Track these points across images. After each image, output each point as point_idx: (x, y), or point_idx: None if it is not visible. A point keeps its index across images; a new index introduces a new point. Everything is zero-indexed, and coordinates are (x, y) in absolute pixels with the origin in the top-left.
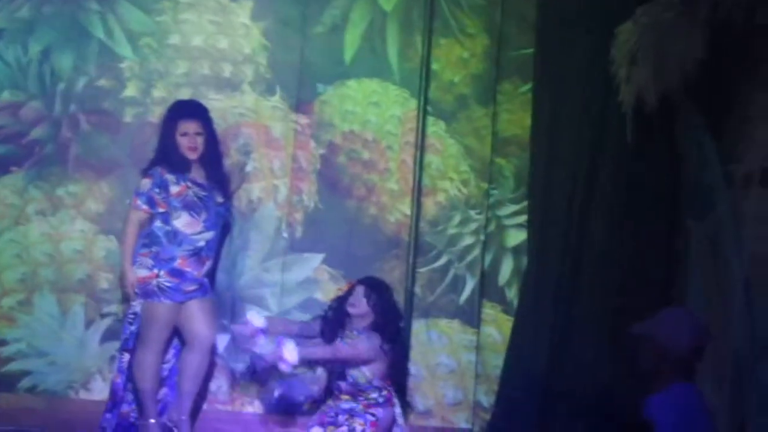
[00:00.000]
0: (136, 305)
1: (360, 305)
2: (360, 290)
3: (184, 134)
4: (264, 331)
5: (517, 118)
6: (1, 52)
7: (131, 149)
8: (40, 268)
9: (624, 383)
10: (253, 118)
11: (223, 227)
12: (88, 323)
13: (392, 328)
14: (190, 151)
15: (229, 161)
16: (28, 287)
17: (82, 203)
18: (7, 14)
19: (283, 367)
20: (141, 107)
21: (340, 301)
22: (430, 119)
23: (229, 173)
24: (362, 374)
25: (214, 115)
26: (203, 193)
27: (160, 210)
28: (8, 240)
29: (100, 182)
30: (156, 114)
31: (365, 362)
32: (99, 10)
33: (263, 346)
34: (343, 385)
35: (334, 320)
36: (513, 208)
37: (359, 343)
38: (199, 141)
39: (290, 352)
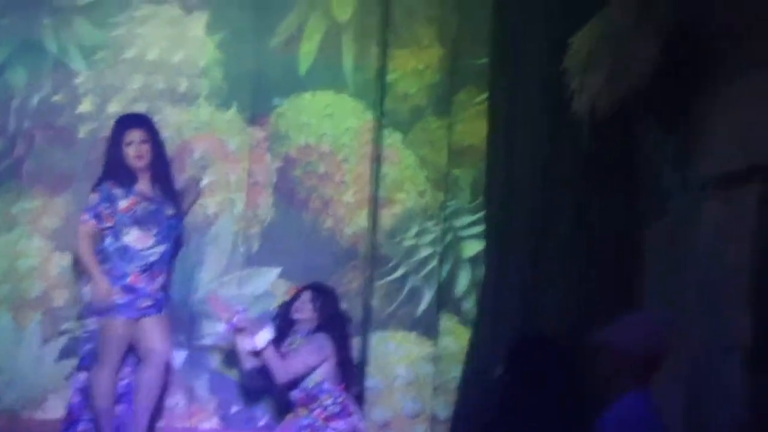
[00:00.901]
0: (92, 323)
1: (305, 310)
2: (305, 295)
3: (130, 143)
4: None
5: (473, 128)
6: None
7: (86, 164)
8: None
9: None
10: (208, 131)
11: (176, 240)
12: (45, 341)
13: (339, 331)
14: (136, 159)
15: (185, 175)
16: None
17: (38, 220)
18: None
19: (246, 345)
20: (96, 122)
21: (286, 307)
22: (386, 131)
23: (185, 187)
24: (311, 378)
25: (169, 129)
26: (153, 207)
27: (108, 224)
28: None
29: (55, 198)
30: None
31: (315, 368)
32: (52, 25)
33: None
34: (295, 393)
35: (280, 326)
36: (470, 218)
37: (306, 352)
38: (145, 149)
39: (262, 338)
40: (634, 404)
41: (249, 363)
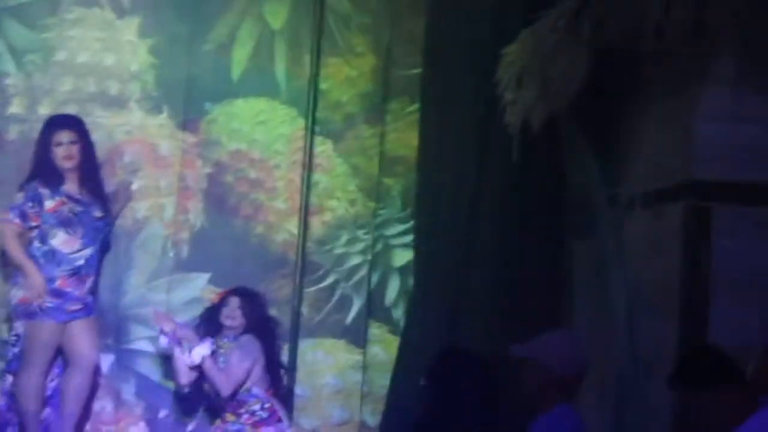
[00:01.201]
0: (19, 326)
1: (234, 315)
2: (233, 301)
3: (59, 144)
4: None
5: (405, 137)
6: None
7: (17, 167)
8: None
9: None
10: (139, 136)
11: (103, 243)
12: None
13: (268, 335)
14: (65, 160)
15: (116, 179)
16: None
17: None
18: None
19: (185, 360)
20: (26, 124)
21: (213, 312)
22: (318, 138)
23: (116, 191)
24: (229, 379)
25: (100, 132)
26: (79, 209)
27: (33, 224)
28: None
29: None
30: None
31: (250, 372)
32: None
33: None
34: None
35: (206, 331)
36: (400, 227)
37: (238, 358)
38: (74, 150)
39: (200, 352)
40: (565, 414)
41: (185, 378)
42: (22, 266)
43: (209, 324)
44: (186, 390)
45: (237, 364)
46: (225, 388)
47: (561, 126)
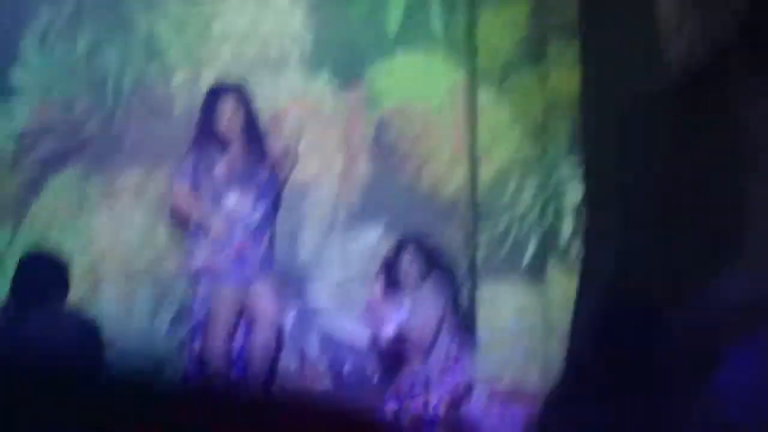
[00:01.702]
0: (201, 291)
1: (413, 266)
2: (410, 251)
3: (222, 113)
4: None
5: (566, 78)
6: (50, 48)
7: (184, 136)
8: (104, 258)
9: None
10: (302, 97)
11: (274, 204)
12: (156, 312)
13: (448, 281)
14: (230, 127)
15: (281, 142)
16: (93, 279)
17: (141, 193)
18: (54, 9)
19: (386, 331)
20: (190, 95)
21: (390, 264)
22: (480, 86)
23: (282, 153)
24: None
25: (263, 97)
26: (247, 171)
27: (204, 189)
28: (71, 233)
29: (156, 171)
30: None
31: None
32: (142, 1)
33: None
34: (409, 348)
35: (387, 283)
36: (569, 167)
37: (424, 309)
38: (238, 117)
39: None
40: (751, 359)
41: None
42: (201, 225)
43: (389, 276)
44: (381, 344)
45: (424, 314)
46: (416, 339)
47: (729, 57)
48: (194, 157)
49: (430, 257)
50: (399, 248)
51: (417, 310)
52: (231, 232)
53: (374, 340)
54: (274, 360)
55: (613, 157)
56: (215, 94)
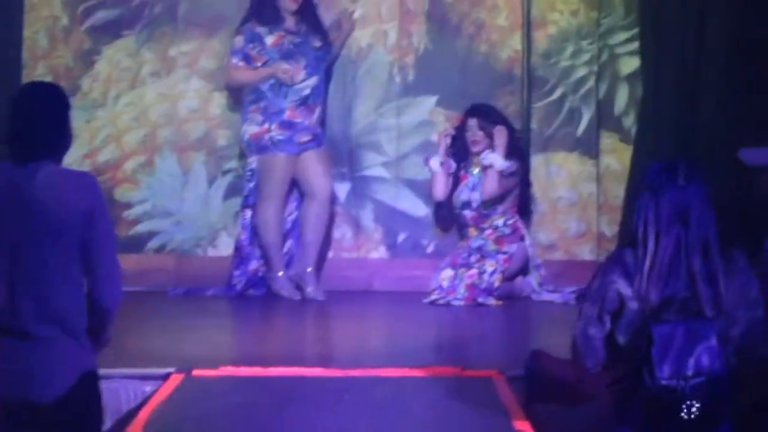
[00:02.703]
0: (253, 161)
1: (478, 135)
2: (474, 121)
3: None
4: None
5: None
6: None
7: (238, 4)
8: (159, 129)
9: None
10: None
11: (326, 73)
12: (210, 181)
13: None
14: (291, 1)
15: (336, 10)
16: (148, 149)
17: (195, 62)
18: None
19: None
20: None
21: (457, 136)
22: None
23: (338, 20)
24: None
25: None
26: (299, 40)
27: (258, 64)
28: (125, 104)
29: (211, 40)
30: None
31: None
32: None
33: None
34: (467, 213)
35: (455, 154)
36: (624, 35)
37: (499, 176)
38: None
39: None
40: None
41: (441, 192)
42: (263, 76)
43: (457, 148)
44: (440, 199)
45: (500, 179)
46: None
47: None
48: (248, 28)
49: (495, 125)
50: (463, 121)
51: (490, 175)
52: (281, 101)
53: (437, 207)
54: (328, 229)
55: (670, 25)
56: None
